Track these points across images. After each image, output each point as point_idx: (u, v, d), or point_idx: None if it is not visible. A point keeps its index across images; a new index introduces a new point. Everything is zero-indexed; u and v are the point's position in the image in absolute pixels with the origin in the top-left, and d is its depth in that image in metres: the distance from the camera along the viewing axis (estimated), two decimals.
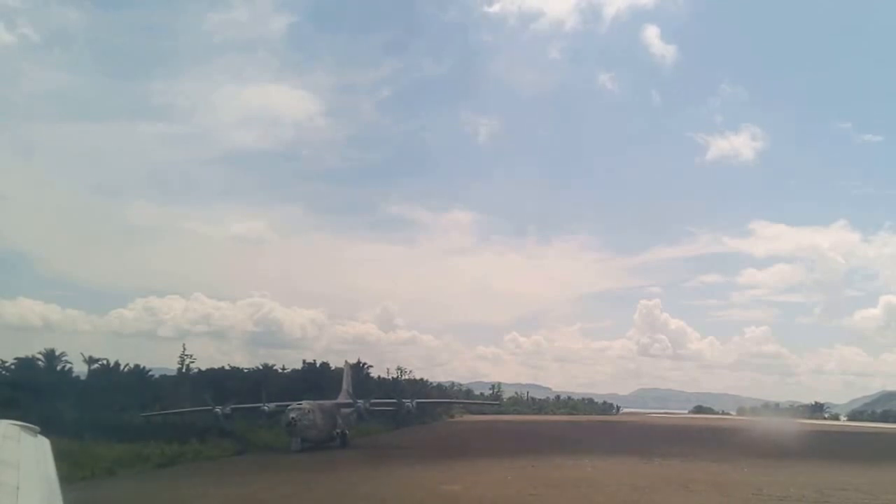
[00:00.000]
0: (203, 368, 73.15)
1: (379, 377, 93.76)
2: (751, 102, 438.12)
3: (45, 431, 5.93)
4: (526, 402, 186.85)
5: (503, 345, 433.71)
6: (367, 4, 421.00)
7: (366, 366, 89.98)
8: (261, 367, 77.68)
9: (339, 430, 51.70)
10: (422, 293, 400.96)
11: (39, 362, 61.69)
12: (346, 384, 61.95)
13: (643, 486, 29.43)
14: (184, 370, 70.26)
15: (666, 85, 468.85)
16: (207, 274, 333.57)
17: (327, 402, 52.15)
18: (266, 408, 50.20)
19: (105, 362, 66.00)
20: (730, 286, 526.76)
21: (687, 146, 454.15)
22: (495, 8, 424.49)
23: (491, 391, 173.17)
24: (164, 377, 70.90)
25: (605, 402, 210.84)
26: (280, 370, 78.57)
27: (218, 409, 49.11)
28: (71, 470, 28.85)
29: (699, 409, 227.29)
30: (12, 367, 58.49)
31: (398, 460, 40.33)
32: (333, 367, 78.50)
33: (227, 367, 76.34)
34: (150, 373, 68.61)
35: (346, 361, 69.19)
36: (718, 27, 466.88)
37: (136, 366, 67.95)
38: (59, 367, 62.13)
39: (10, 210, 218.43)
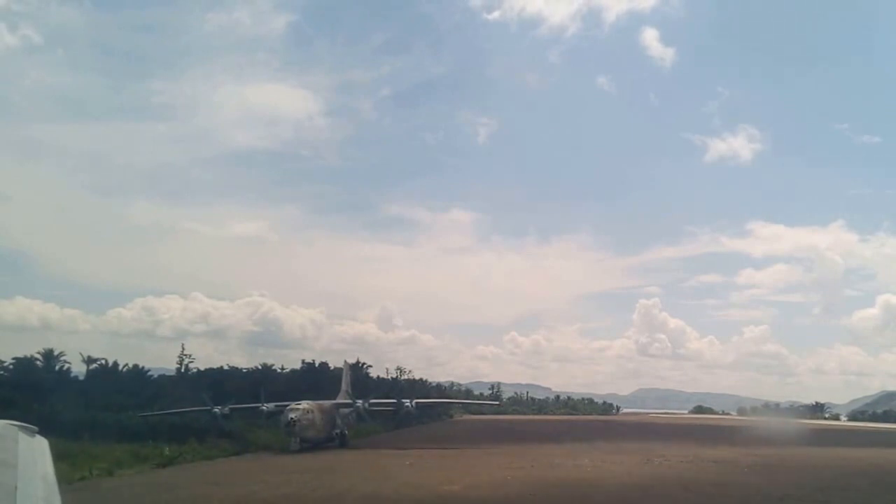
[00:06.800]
0: (202, 368, 73.33)
1: (378, 377, 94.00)
2: (749, 104, 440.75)
3: (43, 431, 5.87)
4: (526, 402, 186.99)
5: (502, 345, 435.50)
6: (368, 4, 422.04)
7: (365, 366, 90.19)
8: (260, 367, 77.81)
9: (338, 431, 51.66)
10: (421, 293, 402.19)
11: (38, 362, 61.67)
12: (345, 384, 61.87)
13: (643, 486, 29.40)
14: (182, 370, 70.29)
15: (664, 87, 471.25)
16: (207, 273, 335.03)
17: (326, 403, 52.06)
18: (265, 408, 50.12)
19: (104, 362, 66.12)
20: (729, 286, 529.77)
21: (685, 147, 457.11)
22: (495, 14, 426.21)
23: (490, 391, 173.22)
24: (162, 377, 70.93)
25: (604, 402, 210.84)
26: (279, 370, 78.72)
27: (217, 410, 49.05)
28: (69, 470, 28.79)
29: (699, 409, 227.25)
30: (10, 366, 58.48)
31: (397, 461, 40.25)
32: (332, 367, 78.63)
33: (225, 367, 76.56)
34: (148, 373, 68.65)
35: (345, 361, 69.18)
36: (717, 29, 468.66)
37: (135, 366, 68.08)
38: (57, 367, 62.15)
39: (11, 210, 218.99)
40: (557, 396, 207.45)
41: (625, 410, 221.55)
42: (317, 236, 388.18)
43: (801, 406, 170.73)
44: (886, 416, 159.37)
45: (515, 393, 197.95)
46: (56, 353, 63.59)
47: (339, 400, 55.95)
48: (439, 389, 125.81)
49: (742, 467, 38.18)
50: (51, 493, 4.59)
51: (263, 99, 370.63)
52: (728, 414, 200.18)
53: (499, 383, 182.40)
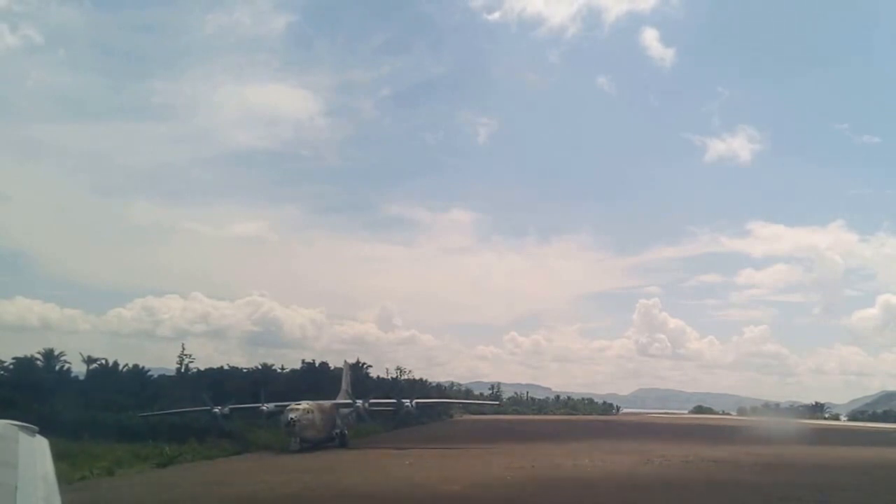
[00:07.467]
0: (202, 368, 73.30)
1: (378, 377, 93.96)
2: (748, 104, 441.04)
3: (43, 431, 5.86)
4: (526, 402, 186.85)
5: (502, 345, 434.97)
6: (368, 4, 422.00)
7: (365, 366, 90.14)
8: (260, 367, 77.82)
9: (338, 431, 51.66)
10: (421, 293, 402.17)
11: (38, 362, 61.67)
12: (345, 384, 61.85)
13: (643, 486, 29.41)
14: (182, 370, 70.25)
15: (664, 87, 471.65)
16: (207, 273, 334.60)
17: (326, 403, 52.06)
18: (265, 408, 50.11)
19: (104, 362, 66.12)
20: (728, 286, 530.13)
21: (685, 147, 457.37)
22: (495, 15, 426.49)
23: (490, 391, 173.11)
24: (162, 377, 70.95)
25: (604, 403, 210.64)
26: (279, 370, 78.70)
27: (217, 409, 49.06)
28: (69, 470, 28.78)
29: (699, 410, 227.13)
30: (11, 366, 58.48)
31: (397, 460, 40.26)
32: (332, 367, 78.59)
33: (225, 367, 76.55)
34: (148, 373, 68.66)
35: (345, 361, 69.15)
36: (716, 29, 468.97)
37: (135, 366, 68.07)
38: (57, 367, 62.16)
39: (11, 210, 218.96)
40: (557, 396, 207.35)
41: (625, 410, 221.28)
42: (317, 236, 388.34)
43: (801, 406, 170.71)
44: (886, 416, 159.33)
45: (515, 393, 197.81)
46: (56, 353, 63.65)
47: (339, 400, 55.92)
48: (439, 389, 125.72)
49: (742, 467, 38.17)
50: (51, 493, 4.57)
51: (263, 99, 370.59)
52: (728, 414, 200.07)
53: (499, 383, 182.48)
